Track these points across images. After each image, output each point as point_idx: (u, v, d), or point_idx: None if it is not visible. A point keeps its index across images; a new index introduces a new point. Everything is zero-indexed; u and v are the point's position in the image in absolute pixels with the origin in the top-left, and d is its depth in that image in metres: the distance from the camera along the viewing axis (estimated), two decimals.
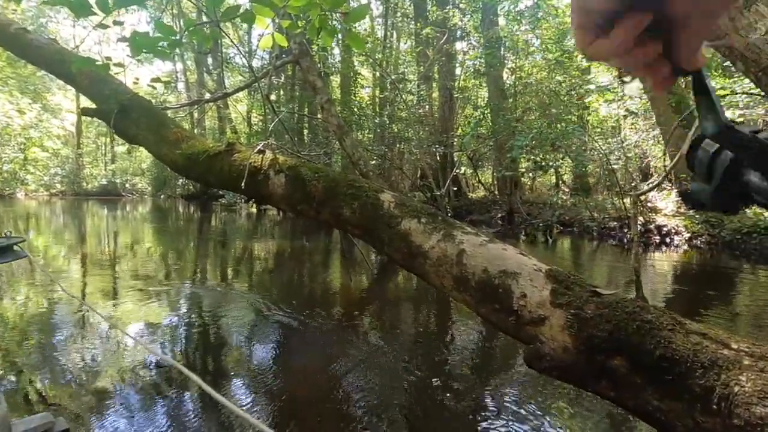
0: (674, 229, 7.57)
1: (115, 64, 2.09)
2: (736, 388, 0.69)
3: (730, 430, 0.68)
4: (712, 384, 0.72)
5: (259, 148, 1.82)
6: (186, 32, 1.94)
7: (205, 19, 2.23)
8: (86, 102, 2.63)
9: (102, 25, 1.87)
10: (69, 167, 27.09)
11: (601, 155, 8.18)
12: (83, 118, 21.42)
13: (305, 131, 14.48)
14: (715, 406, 0.70)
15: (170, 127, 2.24)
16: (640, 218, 6.66)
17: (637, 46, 0.30)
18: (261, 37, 2.03)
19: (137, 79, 3.31)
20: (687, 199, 0.35)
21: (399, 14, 15.19)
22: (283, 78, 14.93)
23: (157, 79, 2.60)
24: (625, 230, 8.05)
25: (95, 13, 1.76)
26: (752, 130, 0.30)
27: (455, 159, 11.35)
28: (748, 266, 5.76)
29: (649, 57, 0.30)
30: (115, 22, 2.07)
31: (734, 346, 0.75)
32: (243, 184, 1.75)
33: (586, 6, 0.28)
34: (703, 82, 0.31)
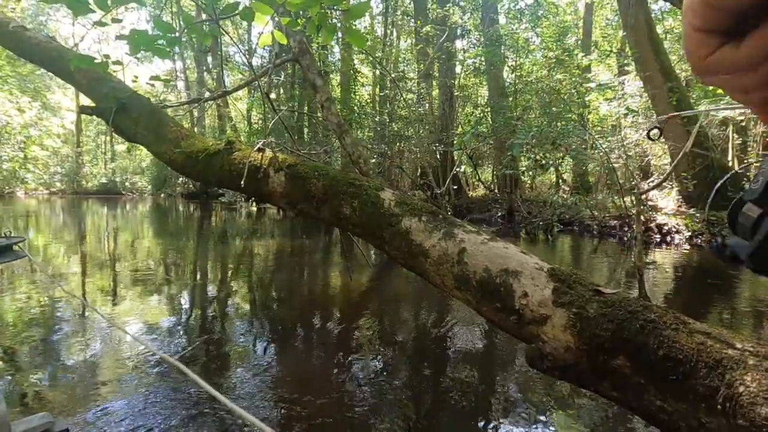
0: (675, 227, 7.57)
1: (113, 62, 2.08)
2: (741, 388, 0.68)
3: (734, 430, 0.67)
4: (716, 384, 0.71)
5: (258, 146, 1.82)
6: (185, 30, 1.93)
7: (204, 16, 2.21)
8: (86, 100, 2.62)
9: (101, 23, 1.86)
10: (69, 166, 27.10)
11: (601, 153, 8.17)
12: (83, 116, 21.40)
13: (305, 130, 14.46)
14: (719, 406, 0.69)
15: (169, 126, 2.23)
16: (641, 217, 6.66)
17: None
18: (260, 35, 2.02)
19: (136, 77, 3.28)
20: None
21: (399, 12, 15.16)
22: (283, 76, 14.90)
23: (156, 78, 2.58)
24: (626, 229, 8.04)
25: (94, 11, 1.75)
26: None
27: (455, 157, 11.33)
28: None
29: None
30: (114, 20, 2.06)
31: (738, 345, 0.75)
32: (243, 182, 1.75)
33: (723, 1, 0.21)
34: None
